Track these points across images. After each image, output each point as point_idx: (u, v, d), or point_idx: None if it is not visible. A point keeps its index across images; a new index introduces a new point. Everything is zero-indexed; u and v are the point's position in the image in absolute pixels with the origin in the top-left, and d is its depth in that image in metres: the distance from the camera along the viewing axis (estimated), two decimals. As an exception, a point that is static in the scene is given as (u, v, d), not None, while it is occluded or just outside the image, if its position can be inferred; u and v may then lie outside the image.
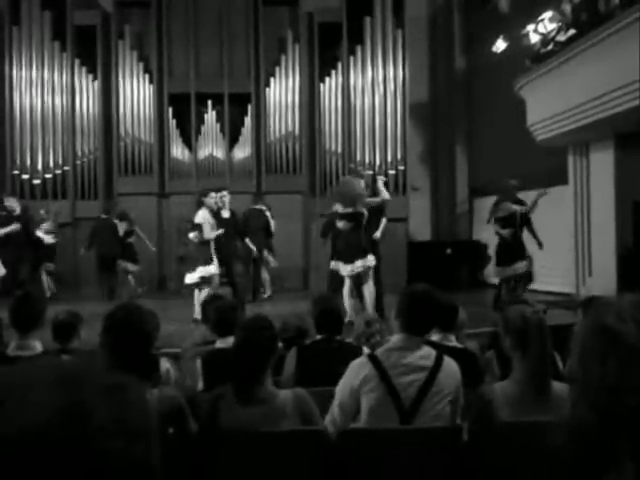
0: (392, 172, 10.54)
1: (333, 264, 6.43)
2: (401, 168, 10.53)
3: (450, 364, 2.41)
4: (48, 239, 8.86)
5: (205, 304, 4.01)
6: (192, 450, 2.18)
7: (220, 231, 6.95)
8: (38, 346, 2.99)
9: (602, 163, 7.43)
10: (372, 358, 2.39)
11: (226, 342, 3.16)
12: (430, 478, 2.25)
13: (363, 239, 6.26)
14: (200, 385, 3.03)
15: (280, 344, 3.45)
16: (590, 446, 0.88)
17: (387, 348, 2.42)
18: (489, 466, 2.19)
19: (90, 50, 10.34)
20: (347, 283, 6.29)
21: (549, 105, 7.28)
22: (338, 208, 6.32)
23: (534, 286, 8.71)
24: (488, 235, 10.40)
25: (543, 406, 2.23)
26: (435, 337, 3.17)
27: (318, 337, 3.38)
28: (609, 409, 0.88)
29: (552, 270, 8.57)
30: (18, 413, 0.57)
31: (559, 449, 0.93)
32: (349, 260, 6.18)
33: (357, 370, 2.37)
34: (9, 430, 0.55)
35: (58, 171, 10.28)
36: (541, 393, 2.26)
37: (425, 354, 2.39)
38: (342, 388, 2.40)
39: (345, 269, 6.23)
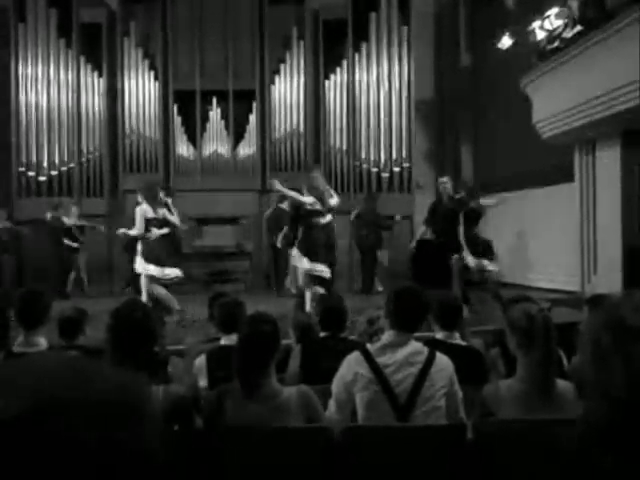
0: (397, 169, 10.53)
1: (319, 267, 5.95)
2: (406, 165, 10.52)
3: (442, 359, 2.45)
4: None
5: (210, 301, 4.02)
6: (197, 446, 2.18)
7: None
8: (43, 342, 3.00)
9: (608, 161, 7.39)
10: (365, 354, 2.42)
11: (230, 339, 3.16)
12: (435, 476, 2.25)
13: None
14: (204, 382, 3.03)
15: (290, 341, 3.47)
16: (616, 443, 0.87)
17: (379, 345, 2.47)
18: (493, 464, 2.19)
19: (95, 47, 10.36)
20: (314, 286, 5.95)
21: (555, 102, 7.24)
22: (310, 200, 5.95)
23: (539, 283, 8.71)
24: (493, 232, 10.38)
25: (548, 404, 2.23)
26: (439, 335, 3.17)
27: (322, 334, 3.38)
28: (635, 406, 0.86)
29: (557, 267, 8.54)
30: (25, 394, 0.57)
31: (574, 447, 0.91)
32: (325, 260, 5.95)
33: (350, 365, 2.43)
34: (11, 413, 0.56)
35: (64, 168, 10.31)
36: (546, 391, 2.26)
37: (416, 350, 2.43)
38: (337, 383, 2.46)
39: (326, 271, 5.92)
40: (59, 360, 0.64)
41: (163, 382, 2.32)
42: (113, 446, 0.58)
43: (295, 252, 6.08)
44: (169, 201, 7.21)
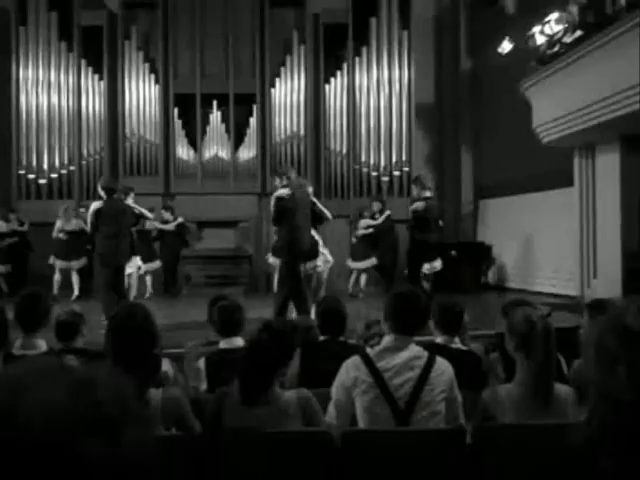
0: (397, 173, 10.53)
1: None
2: (406, 169, 10.52)
3: (442, 363, 2.44)
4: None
5: (210, 304, 4.01)
6: (196, 450, 2.17)
7: None
8: (43, 345, 3.00)
9: (608, 165, 7.40)
10: (365, 358, 2.41)
11: (230, 343, 3.16)
12: (434, 480, 2.25)
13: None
14: (204, 385, 3.03)
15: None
16: (621, 445, 0.87)
17: (380, 349, 2.46)
18: (493, 468, 2.19)
19: (96, 51, 10.38)
20: None
21: (555, 107, 7.25)
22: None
23: (538, 288, 8.71)
24: (493, 236, 10.39)
25: (547, 409, 2.23)
26: (439, 339, 3.17)
27: (322, 338, 3.38)
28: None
29: (557, 272, 8.54)
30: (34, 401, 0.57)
31: (579, 449, 0.92)
32: None
33: (350, 369, 2.42)
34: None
35: (64, 171, 10.32)
36: (545, 396, 2.26)
37: (416, 354, 2.42)
38: (336, 387, 2.45)
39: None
40: (57, 369, 0.64)
41: (160, 385, 2.32)
42: (112, 455, 0.58)
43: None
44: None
